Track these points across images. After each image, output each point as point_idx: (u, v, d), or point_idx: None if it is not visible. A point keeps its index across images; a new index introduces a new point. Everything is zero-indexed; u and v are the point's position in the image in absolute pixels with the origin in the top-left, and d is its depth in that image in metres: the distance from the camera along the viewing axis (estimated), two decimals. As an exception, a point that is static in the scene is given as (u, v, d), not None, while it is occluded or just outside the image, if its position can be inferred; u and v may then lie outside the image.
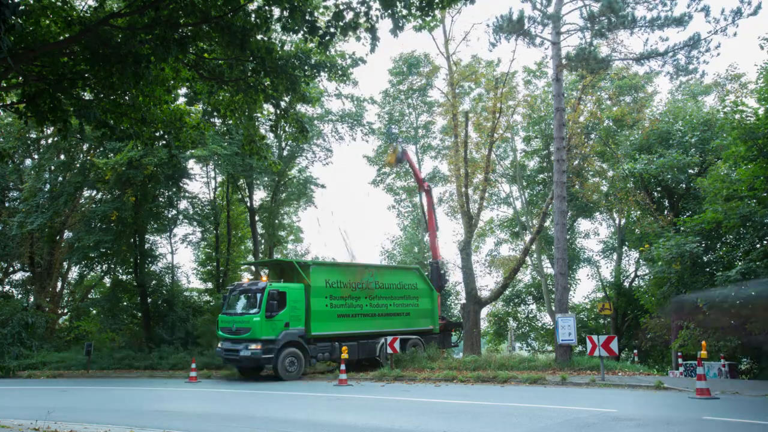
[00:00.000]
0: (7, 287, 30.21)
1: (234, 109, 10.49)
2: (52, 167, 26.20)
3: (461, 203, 25.89)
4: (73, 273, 30.81)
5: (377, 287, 20.33)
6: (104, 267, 28.69)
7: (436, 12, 8.99)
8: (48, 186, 25.49)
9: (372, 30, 8.76)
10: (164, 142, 10.97)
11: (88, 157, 25.23)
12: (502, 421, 9.36)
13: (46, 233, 26.22)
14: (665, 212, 24.09)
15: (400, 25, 8.68)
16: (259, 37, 9.10)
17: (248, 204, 29.43)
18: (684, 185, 23.79)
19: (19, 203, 26.93)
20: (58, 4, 8.44)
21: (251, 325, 17.18)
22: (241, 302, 18.19)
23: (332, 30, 8.69)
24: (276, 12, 8.87)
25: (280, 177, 28.60)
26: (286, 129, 11.25)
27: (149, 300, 26.04)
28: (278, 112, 10.39)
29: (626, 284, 31.34)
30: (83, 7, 9.50)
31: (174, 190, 25.60)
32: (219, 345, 18.40)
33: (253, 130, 11.06)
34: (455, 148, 26.77)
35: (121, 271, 27.75)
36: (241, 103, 10.32)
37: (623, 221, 30.74)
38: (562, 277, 18.02)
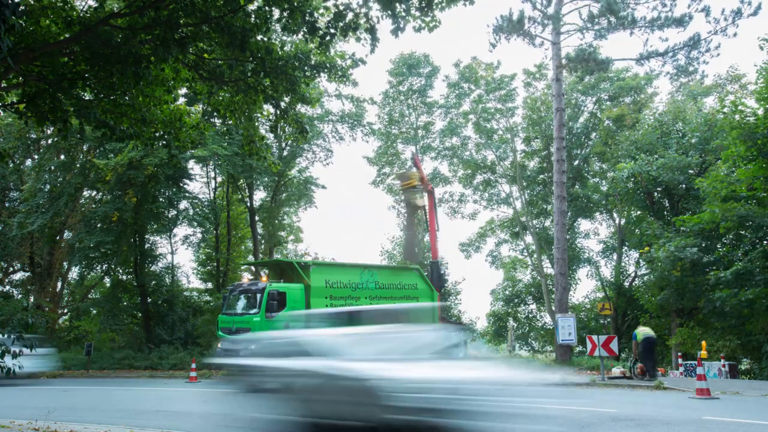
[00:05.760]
0: (7, 287, 30.23)
1: (234, 109, 10.48)
2: (52, 167, 26.17)
3: None
4: (73, 273, 30.81)
5: (377, 287, 20.32)
6: (104, 267, 28.69)
7: (436, 12, 8.96)
8: (48, 186, 25.47)
9: (372, 31, 8.77)
10: (164, 142, 10.96)
11: (89, 158, 25.22)
12: (502, 421, 9.34)
13: (46, 233, 26.20)
14: (665, 213, 24.07)
15: (401, 25, 8.68)
16: (259, 37, 9.10)
17: (248, 204, 29.44)
18: (684, 186, 23.78)
19: (19, 203, 26.92)
20: (58, 4, 8.44)
21: (251, 325, 17.17)
22: (241, 302, 18.18)
23: (332, 30, 8.70)
24: (276, 12, 8.88)
25: (280, 177, 28.61)
26: (286, 129, 11.25)
27: (149, 300, 26.03)
28: (278, 112, 10.38)
29: (626, 284, 31.33)
30: (83, 7, 9.50)
31: (174, 190, 25.62)
32: (219, 345, 18.40)
33: (253, 131, 11.05)
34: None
35: (121, 271, 27.74)
36: (241, 103, 10.31)
37: (623, 221, 30.74)
38: (562, 277, 18.03)
